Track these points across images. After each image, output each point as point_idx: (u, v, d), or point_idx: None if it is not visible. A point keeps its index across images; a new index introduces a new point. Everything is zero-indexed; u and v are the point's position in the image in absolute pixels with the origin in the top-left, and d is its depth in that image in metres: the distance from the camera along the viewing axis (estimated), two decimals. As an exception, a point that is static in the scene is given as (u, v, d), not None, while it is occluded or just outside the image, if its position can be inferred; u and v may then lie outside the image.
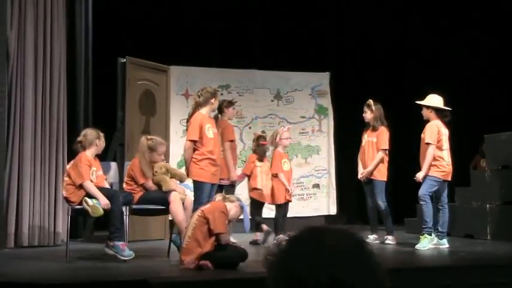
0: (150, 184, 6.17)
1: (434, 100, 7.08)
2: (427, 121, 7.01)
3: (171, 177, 6.30)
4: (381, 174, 7.48)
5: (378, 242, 7.26)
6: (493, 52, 10.66)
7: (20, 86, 7.21)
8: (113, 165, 6.84)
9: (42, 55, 7.40)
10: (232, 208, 5.48)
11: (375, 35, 10.96)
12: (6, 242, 6.95)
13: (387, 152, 7.52)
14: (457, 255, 6.34)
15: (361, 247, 1.37)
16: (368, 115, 7.55)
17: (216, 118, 7.58)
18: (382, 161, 7.47)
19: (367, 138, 7.59)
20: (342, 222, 10.19)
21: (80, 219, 7.89)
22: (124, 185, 6.23)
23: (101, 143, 6.22)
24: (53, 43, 7.52)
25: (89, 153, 6.06)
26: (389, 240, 7.36)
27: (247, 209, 5.79)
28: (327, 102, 10.53)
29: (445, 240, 6.90)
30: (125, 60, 8.14)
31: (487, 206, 7.94)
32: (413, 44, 11.07)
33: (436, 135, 6.89)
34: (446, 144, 6.95)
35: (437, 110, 6.98)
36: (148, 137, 6.40)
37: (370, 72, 10.85)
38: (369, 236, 7.30)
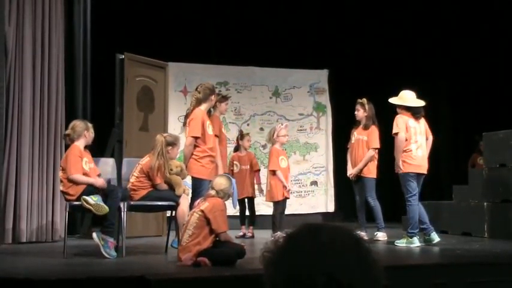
0: (163, 186, 6.16)
1: (406, 96, 7.05)
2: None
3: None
4: (371, 172, 7.56)
5: (366, 239, 7.26)
6: (492, 50, 10.67)
7: (18, 82, 7.21)
8: (111, 161, 6.83)
9: (40, 51, 7.40)
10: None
11: (373, 32, 10.96)
12: (4, 238, 6.96)
13: (377, 150, 7.58)
14: (453, 253, 6.35)
15: (358, 244, 1.37)
16: (360, 113, 7.62)
17: (208, 112, 7.56)
18: (371, 159, 7.53)
19: (357, 136, 7.65)
20: (340, 219, 10.20)
21: (77, 215, 7.90)
22: (133, 179, 6.14)
23: (90, 134, 6.18)
24: (51, 39, 7.51)
25: (79, 145, 6.07)
26: (380, 236, 7.40)
27: (235, 186, 5.74)
28: (325, 99, 10.54)
29: (434, 235, 6.89)
30: (123, 56, 8.14)
31: (485, 204, 7.95)
32: (412, 42, 11.09)
33: (403, 126, 6.86)
34: (415, 138, 6.92)
35: (408, 107, 6.96)
36: (163, 134, 6.37)
37: (368, 70, 10.86)
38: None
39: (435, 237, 6.85)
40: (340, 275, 1.30)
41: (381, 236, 7.42)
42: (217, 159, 7.20)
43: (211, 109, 7.58)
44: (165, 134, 6.35)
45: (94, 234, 5.74)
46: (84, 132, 6.10)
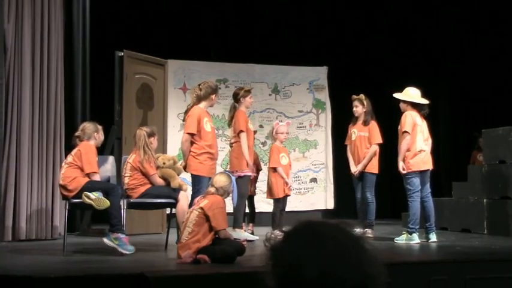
0: (158, 179, 6.15)
1: (412, 93, 7.05)
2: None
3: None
4: (373, 167, 7.51)
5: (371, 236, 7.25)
6: (491, 48, 10.66)
7: (17, 79, 7.20)
8: (110, 159, 6.82)
9: (40, 48, 7.38)
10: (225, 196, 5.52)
11: (372, 29, 10.95)
12: (4, 235, 6.95)
13: (379, 145, 7.58)
14: (453, 250, 6.36)
15: (356, 242, 1.38)
16: (360, 109, 7.58)
17: (233, 108, 7.51)
18: (375, 154, 7.51)
19: (358, 133, 7.61)
20: (339, 216, 10.19)
21: (77, 213, 7.89)
22: (128, 180, 6.14)
23: (100, 136, 6.23)
24: (51, 36, 7.50)
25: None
26: (368, 233, 7.39)
27: (235, 184, 5.73)
28: (324, 96, 10.53)
29: (432, 235, 6.89)
30: (122, 53, 8.13)
31: (484, 200, 7.95)
32: (412, 39, 11.08)
33: (411, 124, 6.87)
34: (420, 135, 6.92)
35: (413, 104, 6.96)
36: (142, 127, 6.41)
37: (367, 67, 10.86)
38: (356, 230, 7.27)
39: (432, 237, 6.86)
40: (336, 272, 1.32)
41: (370, 232, 7.41)
42: (244, 153, 7.22)
43: (236, 104, 7.49)
44: (143, 128, 6.38)
45: (105, 240, 5.69)
46: (94, 134, 6.14)
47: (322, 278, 1.30)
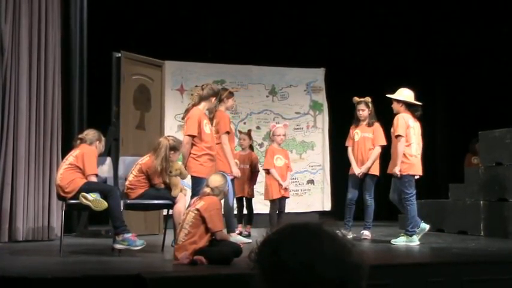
0: (160, 185, 6.14)
1: (406, 93, 7.03)
2: (397, 114, 7.00)
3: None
4: (375, 169, 7.47)
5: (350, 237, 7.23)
6: (489, 50, 10.69)
7: (14, 80, 7.19)
8: (108, 160, 6.82)
9: (37, 49, 7.38)
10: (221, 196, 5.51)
11: (370, 31, 10.96)
12: (1, 237, 6.94)
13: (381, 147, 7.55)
14: (450, 252, 6.36)
15: (339, 241, 1.39)
16: (366, 113, 7.50)
17: (213, 108, 7.38)
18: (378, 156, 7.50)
19: (362, 134, 7.56)
20: (336, 218, 10.19)
21: (74, 214, 7.89)
22: (131, 178, 6.09)
23: (100, 147, 6.23)
24: (48, 37, 7.50)
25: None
26: (366, 235, 7.38)
27: (230, 184, 5.73)
28: (321, 98, 10.55)
29: (421, 223, 6.89)
30: (119, 55, 8.12)
31: (481, 202, 7.96)
32: (409, 41, 11.10)
33: (405, 127, 6.85)
34: (414, 138, 6.91)
35: (408, 104, 6.95)
36: (168, 137, 6.32)
37: (365, 69, 10.87)
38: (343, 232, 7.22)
39: (425, 226, 6.85)
40: (318, 271, 1.35)
41: (367, 234, 7.41)
42: (228, 155, 7.12)
43: (217, 104, 7.34)
44: (169, 138, 6.26)
45: (115, 245, 5.68)
46: (96, 143, 6.16)
47: (333, 276, 1.32)
